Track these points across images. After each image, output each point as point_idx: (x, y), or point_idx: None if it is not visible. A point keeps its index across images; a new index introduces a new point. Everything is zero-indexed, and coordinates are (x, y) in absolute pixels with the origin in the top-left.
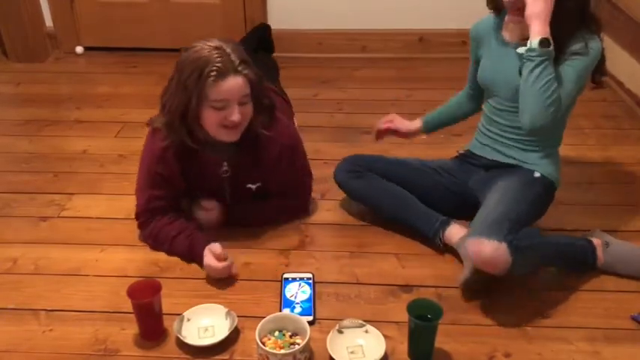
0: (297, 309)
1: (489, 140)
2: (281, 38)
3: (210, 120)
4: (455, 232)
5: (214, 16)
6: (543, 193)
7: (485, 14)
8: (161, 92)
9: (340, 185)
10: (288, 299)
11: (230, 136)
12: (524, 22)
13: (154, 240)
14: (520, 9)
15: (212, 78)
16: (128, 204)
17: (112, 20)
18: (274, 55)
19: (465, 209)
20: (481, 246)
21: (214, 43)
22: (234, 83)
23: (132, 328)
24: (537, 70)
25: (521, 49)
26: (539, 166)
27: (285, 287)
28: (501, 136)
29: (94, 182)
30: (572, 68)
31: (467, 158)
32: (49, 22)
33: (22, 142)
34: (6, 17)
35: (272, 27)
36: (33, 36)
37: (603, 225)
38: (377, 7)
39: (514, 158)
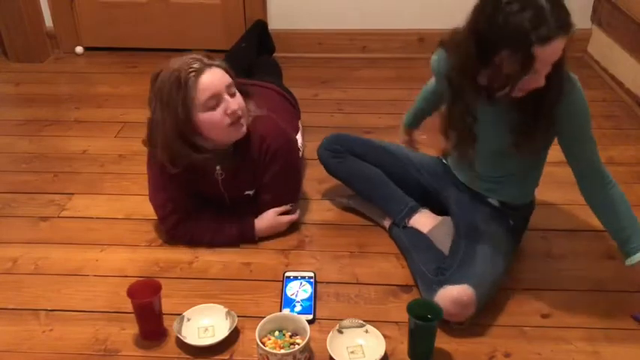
0: (298, 307)
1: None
2: (281, 38)
3: (214, 122)
4: (422, 220)
5: (214, 16)
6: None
7: None
8: (147, 130)
9: (320, 160)
10: (289, 297)
11: (238, 130)
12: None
13: (191, 236)
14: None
15: (192, 79)
16: (128, 204)
17: (112, 20)
18: (274, 55)
19: (432, 206)
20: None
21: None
22: (214, 73)
23: (132, 328)
24: None
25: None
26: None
27: (286, 285)
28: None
29: (94, 182)
30: (579, 138)
31: (446, 168)
32: (49, 22)
33: (22, 142)
34: (6, 17)
35: (272, 27)
36: (33, 36)
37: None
38: (377, 7)
39: (488, 190)
